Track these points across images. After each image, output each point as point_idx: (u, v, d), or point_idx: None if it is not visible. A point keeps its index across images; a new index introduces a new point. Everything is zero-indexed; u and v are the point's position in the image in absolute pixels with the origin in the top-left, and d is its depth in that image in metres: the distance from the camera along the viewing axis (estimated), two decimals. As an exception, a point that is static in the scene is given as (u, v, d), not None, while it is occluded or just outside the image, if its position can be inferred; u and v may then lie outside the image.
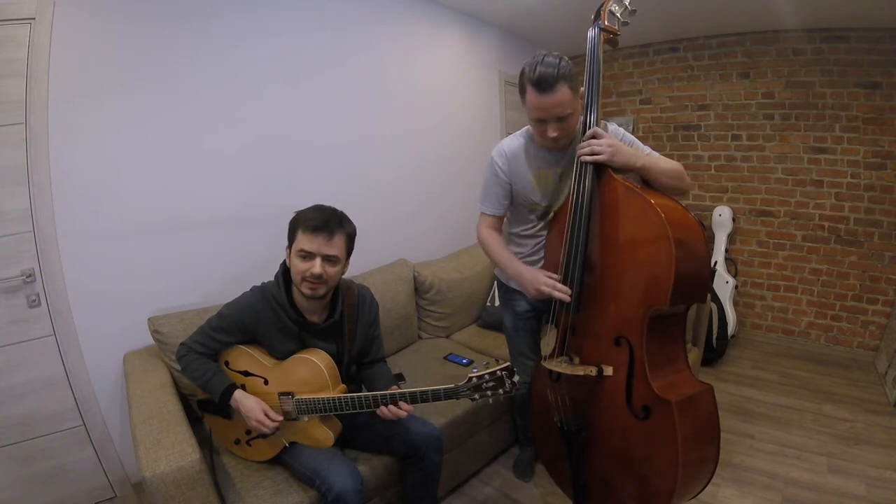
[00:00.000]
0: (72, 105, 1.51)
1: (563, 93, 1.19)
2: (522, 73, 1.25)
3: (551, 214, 1.47)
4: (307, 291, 1.25)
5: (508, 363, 1.15)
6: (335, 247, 1.24)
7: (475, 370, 1.17)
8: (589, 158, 1.20)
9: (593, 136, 1.21)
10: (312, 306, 1.33)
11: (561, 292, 1.26)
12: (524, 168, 1.43)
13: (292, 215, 1.30)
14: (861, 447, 2.04)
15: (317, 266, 1.22)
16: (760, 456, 2.01)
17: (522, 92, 1.28)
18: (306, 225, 1.23)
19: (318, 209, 1.27)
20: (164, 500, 1.10)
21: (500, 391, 1.15)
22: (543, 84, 1.19)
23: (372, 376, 1.46)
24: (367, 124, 2.38)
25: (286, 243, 1.31)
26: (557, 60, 1.19)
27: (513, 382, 1.14)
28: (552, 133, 1.26)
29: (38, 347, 1.55)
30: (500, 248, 1.52)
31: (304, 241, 1.22)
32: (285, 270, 1.33)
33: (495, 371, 1.14)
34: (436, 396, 1.20)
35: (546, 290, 1.28)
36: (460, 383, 1.17)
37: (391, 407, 1.23)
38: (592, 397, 1.30)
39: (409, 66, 2.57)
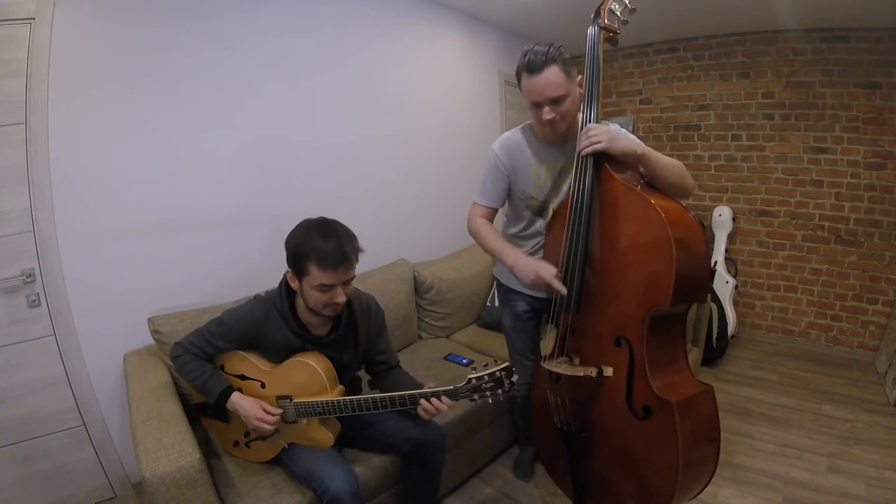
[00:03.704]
0: (72, 105, 1.51)
1: (553, 73, 1.20)
2: (518, 66, 1.27)
3: (549, 212, 1.46)
4: (330, 314, 1.25)
5: (507, 363, 1.15)
6: (353, 269, 1.22)
7: (474, 371, 1.17)
8: (588, 150, 1.20)
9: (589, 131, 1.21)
10: (318, 321, 1.31)
11: (560, 283, 1.25)
12: (524, 161, 1.43)
13: (290, 237, 1.22)
14: (861, 447, 2.04)
15: (340, 295, 1.20)
16: (760, 456, 2.01)
17: (519, 81, 1.29)
18: (324, 262, 1.14)
19: (324, 233, 1.17)
20: (164, 500, 1.10)
21: (500, 391, 1.15)
22: (533, 66, 1.21)
23: (395, 383, 1.43)
24: (367, 124, 2.38)
25: (287, 264, 1.24)
26: (546, 47, 1.22)
27: (511, 382, 1.14)
28: (547, 116, 1.25)
29: (38, 347, 1.55)
30: (496, 237, 1.47)
31: (324, 277, 1.16)
32: (287, 284, 1.29)
33: (494, 371, 1.14)
34: (435, 398, 1.20)
35: (546, 276, 1.25)
36: (459, 384, 1.17)
37: (433, 401, 1.20)
38: (592, 398, 1.30)
39: (409, 66, 2.57)
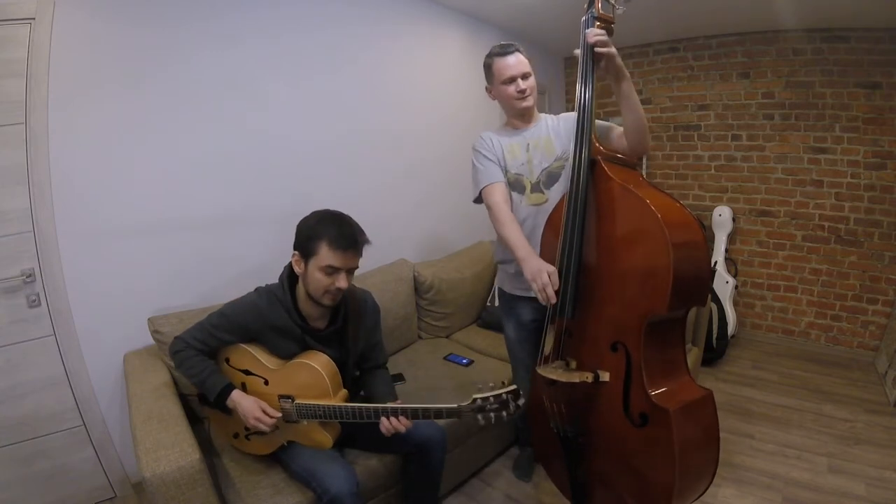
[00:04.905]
0: (72, 105, 1.51)
1: (521, 56, 1.47)
2: (487, 57, 1.50)
3: (526, 188, 1.51)
4: (329, 302, 1.27)
5: (514, 386, 1.13)
6: (358, 258, 1.27)
7: (480, 388, 1.14)
8: (600, 41, 1.18)
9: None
10: (317, 313, 1.33)
11: (550, 296, 1.20)
12: (499, 140, 1.58)
13: (303, 221, 1.26)
14: (861, 447, 2.04)
15: (342, 280, 1.23)
16: (760, 456, 2.01)
17: (489, 69, 1.50)
18: (335, 243, 1.20)
19: (338, 222, 1.24)
20: (164, 500, 1.10)
21: (504, 413, 1.12)
22: (506, 50, 1.46)
23: (371, 381, 1.46)
24: (367, 124, 2.37)
25: (293, 249, 1.27)
26: (509, 42, 1.49)
27: (517, 405, 1.12)
28: (522, 85, 1.46)
29: (38, 347, 1.55)
30: (514, 225, 1.43)
31: (333, 259, 1.20)
32: (290, 274, 1.31)
33: (500, 394, 1.12)
34: (437, 415, 1.18)
35: (543, 281, 1.20)
36: (464, 403, 1.14)
37: (392, 420, 1.21)
38: (589, 402, 1.28)
39: (409, 66, 2.57)
